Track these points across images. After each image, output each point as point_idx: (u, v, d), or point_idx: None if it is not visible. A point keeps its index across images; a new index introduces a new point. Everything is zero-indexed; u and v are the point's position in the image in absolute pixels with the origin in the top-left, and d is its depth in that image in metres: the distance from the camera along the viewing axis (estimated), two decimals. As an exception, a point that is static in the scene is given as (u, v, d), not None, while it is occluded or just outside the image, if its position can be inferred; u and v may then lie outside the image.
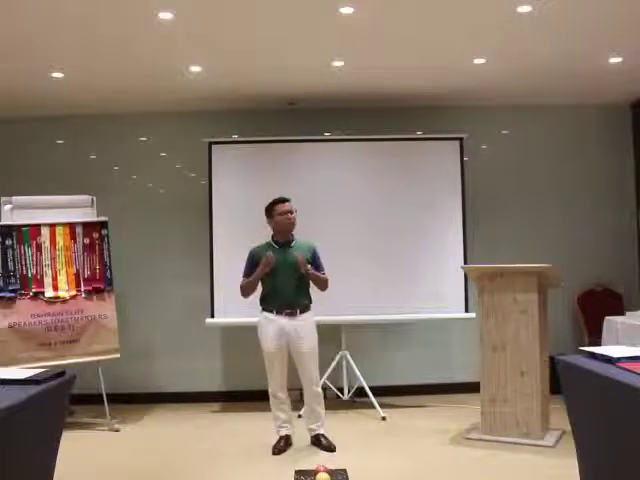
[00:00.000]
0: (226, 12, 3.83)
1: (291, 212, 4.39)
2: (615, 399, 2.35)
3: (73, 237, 5.15)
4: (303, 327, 4.36)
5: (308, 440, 4.49)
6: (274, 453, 4.32)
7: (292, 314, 4.34)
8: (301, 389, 4.57)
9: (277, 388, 4.41)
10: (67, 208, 5.20)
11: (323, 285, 4.46)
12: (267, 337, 4.35)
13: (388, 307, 5.51)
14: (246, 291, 4.44)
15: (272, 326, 4.34)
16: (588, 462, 2.73)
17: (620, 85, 5.48)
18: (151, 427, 5.18)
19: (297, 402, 4.90)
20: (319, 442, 4.42)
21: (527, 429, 4.39)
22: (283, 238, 4.43)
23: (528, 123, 6.10)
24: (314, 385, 4.44)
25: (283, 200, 4.40)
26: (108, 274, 5.21)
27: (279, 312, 4.34)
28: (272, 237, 4.47)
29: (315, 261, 4.48)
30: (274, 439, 4.43)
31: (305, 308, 4.41)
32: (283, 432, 4.45)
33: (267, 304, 4.39)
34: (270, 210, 4.41)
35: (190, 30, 4.10)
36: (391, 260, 5.54)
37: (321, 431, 4.46)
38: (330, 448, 4.36)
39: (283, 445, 4.39)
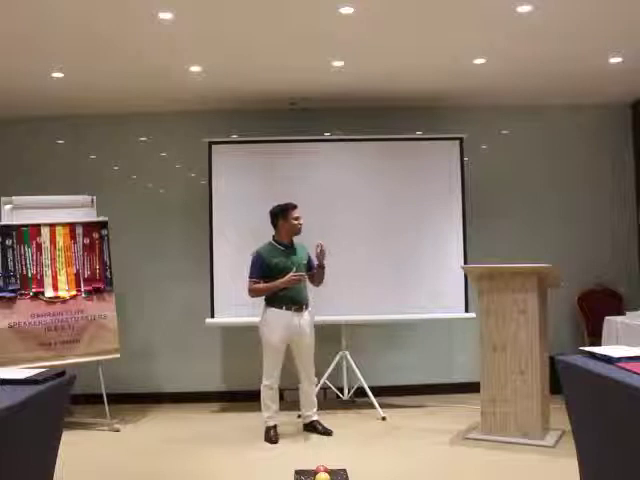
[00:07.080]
0: (226, 12, 3.83)
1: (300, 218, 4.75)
2: (615, 399, 2.35)
3: (73, 237, 5.15)
4: (308, 322, 4.69)
5: (308, 440, 4.52)
6: (271, 442, 4.54)
7: (299, 310, 4.63)
8: (298, 389, 4.79)
9: (275, 380, 4.65)
10: (67, 208, 5.21)
11: (323, 279, 4.78)
12: (275, 331, 4.59)
13: (388, 307, 5.51)
14: (259, 295, 4.67)
15: (281, 321, 4.59)
16: (588, 462, 2.73)
17: (620, 85, 5.48)
18: (151, 427, 5.18)
19: (296, 402, 4.90)
20: (315, 428, 4.71)
21: (527, 429, 4.39)
22: (289, 240, 4.71)
23: (528, 123, 6.09)
24: (313, 375, 4.79)
25: (295, 206, 4.69)
26: (108, 274, 5.22)
27: (288, 308, 4.60)
28: (273, 238, 4.72)
29: (310, 259, 4.82)
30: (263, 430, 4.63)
31: (308, 304, 4.73)
32: (272, 422, 4.69)
33: (276, 301, 4.61)
34: (285, 213, 4.67)
35: (190, 30, 4.10)
36: (391, 260, 5.54)
37: (316, 417, 4.75)
38: (327, 432, 4.64)
39: (274, 434, 4.62)
